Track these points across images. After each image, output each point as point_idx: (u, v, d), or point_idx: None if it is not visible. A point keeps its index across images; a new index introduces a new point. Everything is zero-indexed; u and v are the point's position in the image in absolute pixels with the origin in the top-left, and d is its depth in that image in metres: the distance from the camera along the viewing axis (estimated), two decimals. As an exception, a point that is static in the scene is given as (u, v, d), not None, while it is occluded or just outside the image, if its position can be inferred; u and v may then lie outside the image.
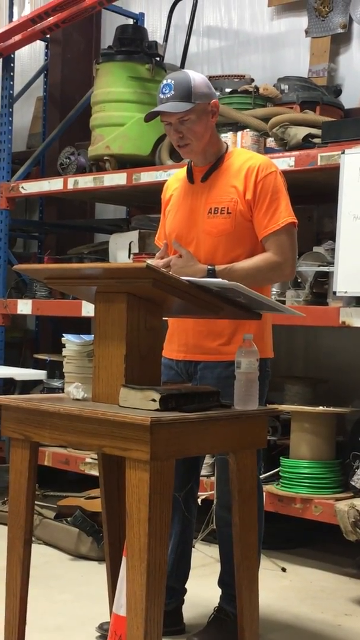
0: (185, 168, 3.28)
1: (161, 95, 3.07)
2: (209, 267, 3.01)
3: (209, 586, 3.49)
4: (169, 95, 3.04)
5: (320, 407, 4.25)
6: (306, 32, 5.29)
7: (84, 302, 4.93)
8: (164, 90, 3.06)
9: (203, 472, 4.47)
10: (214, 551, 4.34)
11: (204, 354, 3.14)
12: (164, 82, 3.08)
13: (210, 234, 3.11)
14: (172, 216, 3.26)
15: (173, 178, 3.39)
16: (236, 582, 2.75)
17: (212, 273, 2.98)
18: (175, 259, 3.02)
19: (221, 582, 3.30)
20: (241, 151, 3.37)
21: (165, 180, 4.85)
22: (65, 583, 3.91)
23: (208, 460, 4.40)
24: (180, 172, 3.34)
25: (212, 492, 4.10)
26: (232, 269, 3.02)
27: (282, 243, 3.08)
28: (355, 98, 5.01)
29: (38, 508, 4.50)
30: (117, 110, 5.22)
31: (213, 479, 4.06)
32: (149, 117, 3.16)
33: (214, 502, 4.13)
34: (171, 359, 3.24)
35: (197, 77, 3.08)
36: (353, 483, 4.10)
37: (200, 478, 4.44)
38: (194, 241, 3.13)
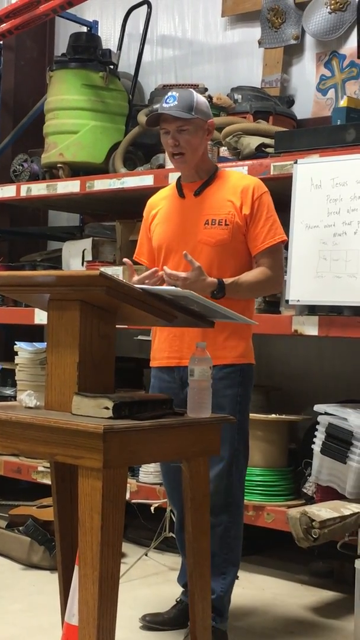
0: (168, 187, 3.45)
1: (164, 104, 3.21)
2: (218, 280, 3.13)
3: (163, 594, 3.49)
4: (172, 105, 3.20)
5: (273, 415, 4.28)
6: (259, 42, 5.33)
7: (36, 310, 4.90)
8: (167, 100, 3.22)
9: (155, 480, 4.48)
10: (166, 559, 4.34)
11: None
12: (169, 93, 3.24)
13: (207, 243, 3.23)
14: (161, 229, 3.35)
15: (156, 196, 3.49)
16: (189, 590, 2.74)
17: (221, 286, 3.13)
18: (187, 274, 3.06)
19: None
20: (232, 171, 3.50)
21: (120, 189, 4.86)
22: (17, 593, 3.88)
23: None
24: (164, 191, 3.47)
25: (165, 500, 4.10)
26: (238, 282, 3.19)
27: (276, 259, 3.30)
28: (307, 108, 5.06)
29: (-11, 517, 4.46)
30: (70, 118, 5.20)
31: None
32: (150, 121, 3.29)
33: (167, 510, 4.14)
34: (162, 367, 3.29)
35: (199, 96, 3.28)
36: (305, 490, 4.13)
37: (153, 486, 4.45)
38: (188, 252, 3.17)
